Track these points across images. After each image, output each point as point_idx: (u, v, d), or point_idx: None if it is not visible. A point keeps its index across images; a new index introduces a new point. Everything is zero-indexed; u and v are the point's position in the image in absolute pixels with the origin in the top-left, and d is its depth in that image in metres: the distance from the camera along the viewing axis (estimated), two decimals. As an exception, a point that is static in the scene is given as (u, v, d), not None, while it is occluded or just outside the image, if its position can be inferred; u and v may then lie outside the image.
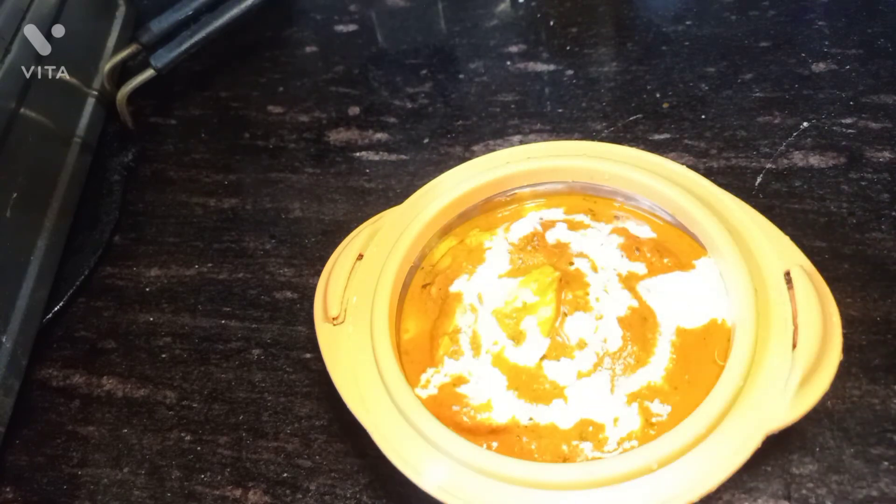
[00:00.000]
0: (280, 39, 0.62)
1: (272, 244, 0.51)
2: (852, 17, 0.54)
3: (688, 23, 0.57)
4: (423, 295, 0.43)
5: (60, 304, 0.48)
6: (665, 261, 0.41)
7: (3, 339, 0.42)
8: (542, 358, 0.38)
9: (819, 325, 0.35)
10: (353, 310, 0.40)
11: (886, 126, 0.48)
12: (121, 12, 0.58)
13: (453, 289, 0.42)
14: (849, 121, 0.49)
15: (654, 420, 0.36)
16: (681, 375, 0.37)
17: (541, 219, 0.46)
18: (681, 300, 0.39)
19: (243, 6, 0.53)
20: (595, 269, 0.41)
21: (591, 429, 0.36)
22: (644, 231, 0.44)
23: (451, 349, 0.40)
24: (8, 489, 0.43)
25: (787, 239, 0.38)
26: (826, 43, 0.53)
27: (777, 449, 0.38)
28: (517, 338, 0.39)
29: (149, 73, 0.53)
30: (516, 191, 0.47)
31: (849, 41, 0.53)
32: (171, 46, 0.53)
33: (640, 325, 0.38)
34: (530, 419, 0.37)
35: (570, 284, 0.40)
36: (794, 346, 0.34)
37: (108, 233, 0.52)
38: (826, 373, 0.35)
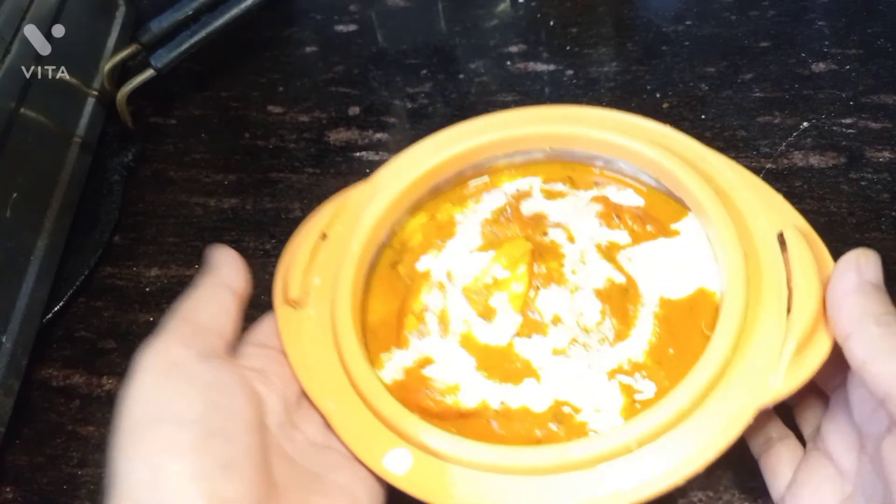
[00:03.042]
0: (280, 39, 0.62)
1: (272, 244, 0.51)
2: (852, 17, 0.54)
3: (688, 23, 0.57)
4: (392, 274, 0.40)
5: (60, 304, 0.48)
6: (648, 228, 0.38)
7: (3, 339, 0.42)
8: (514, 336, 0.36)
9: (816, 288, 0.32)
10: (316, 292, 0.38)
11: (886, 126, 0.48)
12: (121, 12, 0.58)
13: (421, 266, 0.39)
14: (849, 121, 0.49)
15: (636, 398, 0.33)
16: (665, 349, 0.34)
17: (516, 189, 0.43)
18: (665, 269, 0.37)
19: (243, 6, 0.53)
20: (571, 240, 0.38)
21: (566, 410, 0.33)
22: (627, 197, 0.41)
23: (418, 329, 0.37)
24: (8, 489, 0.42)
25: (780, 198, 0.35)
26: (826, 43, 0.53)
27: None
28: (487, 315, 0.37)
29: (149, 73, 0.54)
30: (491, 162, 0.44)
31: (849, 41, 0.53)
32: (171, 46, 0.53)
33: (619, 297, 0.36)
34: (501, 403, 0.34)
35: (543, 257, 0.37)
36: (789, 311, 0.31)
37: (108, 233, 0.52)
38: (824, 340, 0.32)
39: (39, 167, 0.48)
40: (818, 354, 0.32)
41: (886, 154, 0.47)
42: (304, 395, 0.34)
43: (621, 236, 0.38)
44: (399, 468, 0.32)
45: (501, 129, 0.43)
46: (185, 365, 0.27)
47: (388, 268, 0.42)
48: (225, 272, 0.32)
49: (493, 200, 0.41)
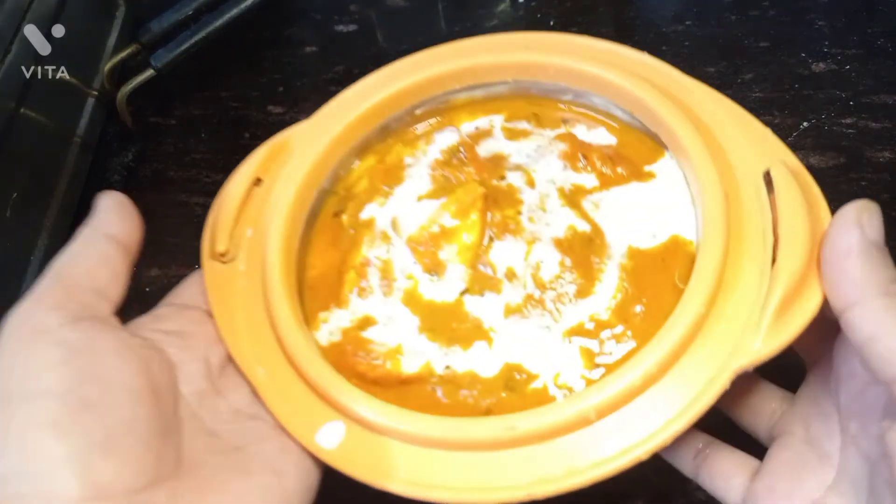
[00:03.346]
0: (280, 39, 0.62)
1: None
2: (852, 17, 0.54)
3: (688, 23, 0.56)
4: (335, 224, 0.36)
5: None
6: (619, 170, 0.34)
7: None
8: (463, 293, 0.32)
9: (805, 234, 0.28)
10: (247, 244, 0.35)
11: (886, 126, 0.48)
12: (121, 12, 0.58)
13: (365, 215, 0.36)
14: (849, 121, 0.49)
15: (598, 361, 0.30)
16: (632, 306, 0.31)
17: (475, 127, 0.38)
18: (636, 215, 0.33)
19: (243, 6, 0.53)
20: (531, 184, 0.35)
21: (520, 376, 0.30)
22: (598, 136, 0.37)
23: (359, 286, 0.33)
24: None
25: (768, 132, 0.32)
26: (826, 43, 0.53)
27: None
28: (435, 269, 0.33)
29: (149, 72, 0.54)
30: (448, 97, 0.39)
31: (849, 41, 0.53)
32: (172, 46, 0.53)
33: (583, 247, 0.32)
34: (446, 367, 0.31)
35: (498, 203, 0.34)
36: (774, 261, 0.28)
37: (108, 232, 0.51)
38: (813, 295, 0.28)
39: (39, 167, 0.49)
40: (805, 311, 0.27)
41: (886, 154, 0.47)
42: (231, 359, 0.31)
43: (588, 179, 0.35)
44: (331, 443, 0.29)
45: (459, 58, 0.38)
46: (52, 330, 0.23)
47: (330, 217, 0.37)
48: (109, 220, 0.27)
49: (445, 140, 0.36)
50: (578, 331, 0.30)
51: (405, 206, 0.35)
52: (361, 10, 0.63)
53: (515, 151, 0.37)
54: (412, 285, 0.33)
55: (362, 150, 0.39)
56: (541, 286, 0.32)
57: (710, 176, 0.30)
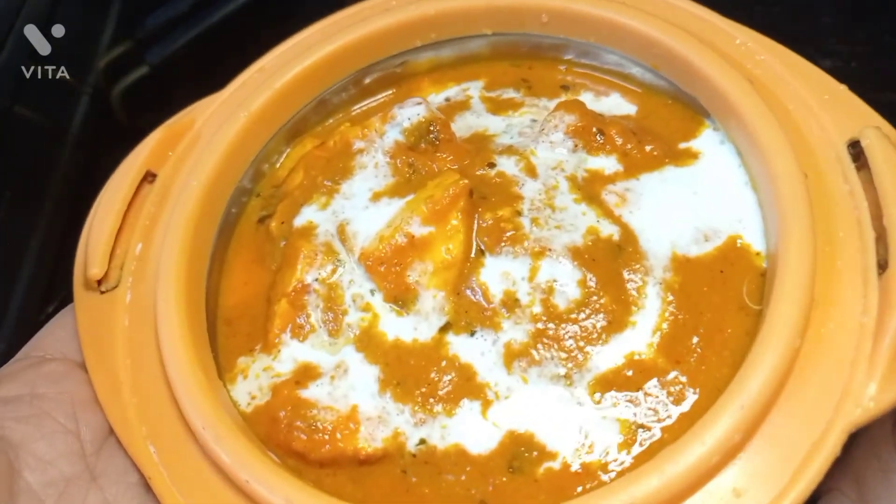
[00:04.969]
0: (276, 35, 0.61)
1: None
2: (859, 13, 0.53)
3: None
4: (260, 235, 0.29)
5: (55, 305, 0.46)
6: (648, 148, 0.28)
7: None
8: (444, 330, 0.25)
9: None
10: (135, 266, 0.27)
11: (892, 123, 0.48)
12: (115, 8, 0.58)
13: (300, 221, 0.28)
14: None
15: (643, 423, 0.23)
16: (686, 339, 0.24)
17: (445, 99, 0.30)
18: (678, 211, 0.26)
19: (238, 2, 0.53)
20: (531, 173, 0.27)
21: (529, 453, 0.23)
22: (612, 104, 0.30)
23: (295, 322, 0.26)
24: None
25: (844, 89, 0.26)
26: (832, 40, 0.52)
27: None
28: (402, 297, 0.26)
29: (143, 69, 0.53)
30: (406, 58, 0.31)
31: (855, 38, 0.51)
32: (166, 43, 0.53)
33: (610, 259, 0.25)
34: (422, 441, 0.24)
35: (487, 201, 0.27)
36: (884, 266, 0.22)
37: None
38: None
39: (33, 166, 0.49)
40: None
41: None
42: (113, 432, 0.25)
43: (607, 163, 0.28)
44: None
45: (417, 2, 0.29)
46: None
47: (253, 225, 0.30)
48: None
49: (410, 116, 0.28)
50: (613, 381, 0.24)
51: (356, 208, 0.28)
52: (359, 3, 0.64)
53: (504, 128, 0.30)
54: (369, 320, 0.26)
55: (294, 132, 0.31)
56: (555, 318, 0.25)
57: (781, 148, 0.25)
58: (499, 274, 0.25)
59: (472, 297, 0.25)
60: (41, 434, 0.24)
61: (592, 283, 0.25)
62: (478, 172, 0.27)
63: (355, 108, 0.32)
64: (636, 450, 0.22)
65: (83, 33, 0.56)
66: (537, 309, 0.25)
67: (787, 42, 0.56)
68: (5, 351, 0.42)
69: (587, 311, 0.24)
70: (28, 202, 0.48)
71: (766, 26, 0.57)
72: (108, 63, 0.55)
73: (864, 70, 0.50)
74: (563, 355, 0.24)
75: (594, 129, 0.27)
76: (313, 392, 0.25)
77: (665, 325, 0.24)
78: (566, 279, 0.25)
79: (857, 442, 0.25)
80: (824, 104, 0.26)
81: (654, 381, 0.23)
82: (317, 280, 0.26)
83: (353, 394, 0.24)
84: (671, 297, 0.24)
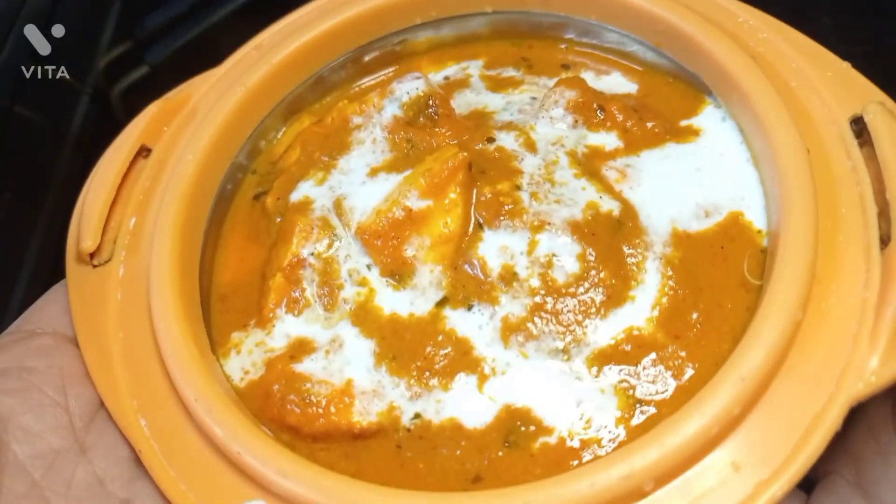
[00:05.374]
0: None
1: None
2: (859, 13, 0.52)
3: None
4: (256, 211, 0.29)
5: None
6: (649, 125, 0.27)
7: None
8: (441, 304, 0.25)
9: None
10: (129, 240, 0.27)
11: None
12: (115, 8, 0.57)
13: (297, 197, 0.28)
14: None
15: (641, 398, 0.23)
16: (686, 314, 0.24)
17: (445, 77, 0.30)
18: (679, 187, 0.26)
19: (238, 2, 0.52)
20: (531, 148, 0.27)
21: (526, 427, 0.22)
22: (613, 82, 0.30)
23: (290, 296, 0.26)
24: None
25: (847, 66, 0.26)
26: (832, 39, 0.50)
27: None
28: (399, 272, 0.25)
29: (143, 69, 0.53)
30: (405, 37, 0.31)
31: (855, 38, 0.50)
32: (167, 42, 0.53)
33: (610, 234, 0.25)
34: (417, 415, 0.23)
35: (486, 175, 0.26)
36: (886, 241, 0.22)
37: (104, 233, 0.52)
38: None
39: (33, 166, 0.49)
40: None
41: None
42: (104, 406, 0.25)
43: (608, 140, 0.27)
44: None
45: None
46: None
47: (248, 201, 0.30)
48: None
49: (409, 90, 0.27)
50: (611, 356, 0.23)
51: (353, 183, 0.28)
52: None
53: (503, 106, 0.29)
54: (365, 295, 0.26)
55: (292, 109, 0.31)
56: (554, 292, 0.24)
57: (783, 124, 0.25)
58: (497, 248, 0.25)
59: (470, 272, 0.25)
60: (29, 407, 0.24)
61: (592, 258, 0.24)
62: (477, 147, 0.27)
63: (353, 86, 0.31)
64: (634, 423, 0.22)
65: (83, 33, 0.56)
66: (536, 283, 0.24)
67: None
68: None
69: (586, 286, 0.24)
70: (28, 202, 0.48)
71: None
72: (108, 63, 0.54)
73: (864, 70, 0.53)
74: (562, 329, 0.24)
75: (595, 105, 0.27)
76: (307, 366, 0.24)
77: (664, 300, 0.24)
78: (565, 253, 0.24)
79: (855, 425, 0.25)
80: (827, 81, 0.25)
81: (653, 355, 0.23)
82: (312, 254, 0.26)
83: (347, 368, 0.24)
84: (671, 273, 0.24)
